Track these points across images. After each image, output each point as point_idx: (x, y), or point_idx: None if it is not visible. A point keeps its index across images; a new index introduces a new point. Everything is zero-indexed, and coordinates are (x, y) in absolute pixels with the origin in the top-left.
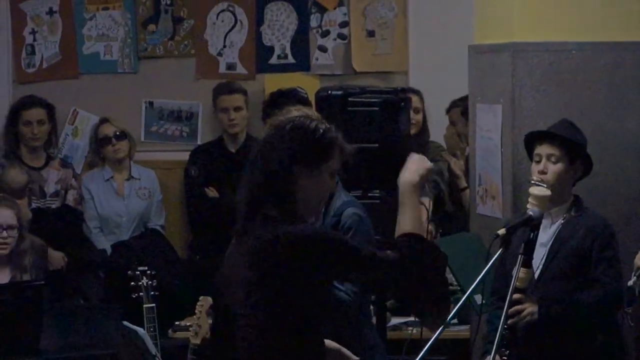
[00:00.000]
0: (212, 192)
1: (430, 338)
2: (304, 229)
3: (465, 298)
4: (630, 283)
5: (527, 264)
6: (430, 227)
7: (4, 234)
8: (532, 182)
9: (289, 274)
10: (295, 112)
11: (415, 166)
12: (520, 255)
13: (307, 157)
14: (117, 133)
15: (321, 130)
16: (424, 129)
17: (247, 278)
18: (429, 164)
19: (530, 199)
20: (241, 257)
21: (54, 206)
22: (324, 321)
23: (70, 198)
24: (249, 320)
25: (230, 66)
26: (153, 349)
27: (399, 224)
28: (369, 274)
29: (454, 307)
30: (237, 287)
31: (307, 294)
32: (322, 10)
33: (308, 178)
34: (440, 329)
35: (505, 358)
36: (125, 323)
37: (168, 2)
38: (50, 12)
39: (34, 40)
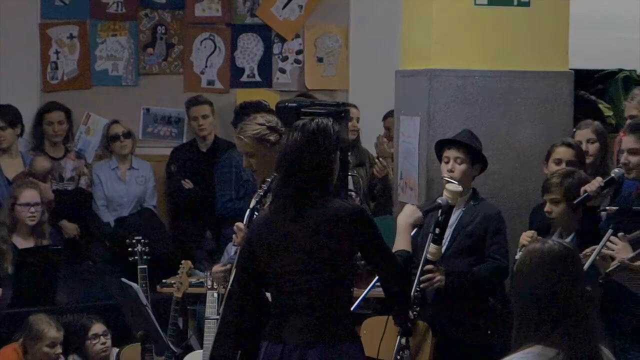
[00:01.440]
0: (187, 184)
1: (359, 296)
2: (357, 205)
3: None
4: (516, 257)
5: (438, 241)
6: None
7: (32, 209)
8: (445, 179)
9: (347, 238)
10: (259, 117)
11: (411, 212)
12: (430, 234)
13: (335, 148)
14: (125, 132)
15: (335, 126)
16: (358, 135)
17: (310, 243)
18: (420, 214)
19: (445, 193)
20: (300, 230)
21: (69, 188)
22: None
23: (83, 182)
24: (314, 275)
25: (210, 82)
26: (144, 300)
27: (398, 244)
28: (383, 260)
29: None
30: (297, 251)
31: (354, 255)
32: (283, 40)
33: (334, 164)
34: (369, 288)
35: (415, 313)
36: (123, 280)
37: (163, 32)
38: (71, 37)
39: (57, 58)
